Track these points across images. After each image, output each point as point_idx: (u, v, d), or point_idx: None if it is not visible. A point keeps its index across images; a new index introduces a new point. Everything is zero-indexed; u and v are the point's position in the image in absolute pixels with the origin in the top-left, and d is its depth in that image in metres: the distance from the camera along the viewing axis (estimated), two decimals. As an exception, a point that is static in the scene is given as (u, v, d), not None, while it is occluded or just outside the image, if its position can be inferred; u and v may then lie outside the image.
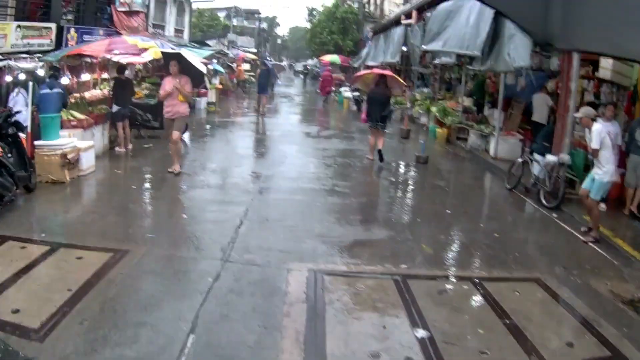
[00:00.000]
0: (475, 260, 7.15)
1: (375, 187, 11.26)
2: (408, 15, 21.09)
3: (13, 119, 8.80)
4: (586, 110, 8.67)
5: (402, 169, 13.28)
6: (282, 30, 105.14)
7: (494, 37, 11.92)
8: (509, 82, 15.02)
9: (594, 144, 7.87)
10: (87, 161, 10.59)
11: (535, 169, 10.65)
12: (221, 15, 63.21)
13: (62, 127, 11.01)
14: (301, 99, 35.19)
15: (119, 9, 21.54)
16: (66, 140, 10.18)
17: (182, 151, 11.60)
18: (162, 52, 11.84)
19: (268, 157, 13.35)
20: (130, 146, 13.15)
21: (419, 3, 19.87)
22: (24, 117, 10.17)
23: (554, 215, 9.27)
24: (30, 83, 10.37)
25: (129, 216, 8.04)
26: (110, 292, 5.33)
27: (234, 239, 7.04)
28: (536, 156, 10.75)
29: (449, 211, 9.40)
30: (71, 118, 11.60)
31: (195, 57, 11.95)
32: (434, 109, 19.62)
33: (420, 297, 5.71)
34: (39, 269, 5.86)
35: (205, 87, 16.85)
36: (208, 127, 18.97)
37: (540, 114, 13.38)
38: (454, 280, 6.35)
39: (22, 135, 9.01)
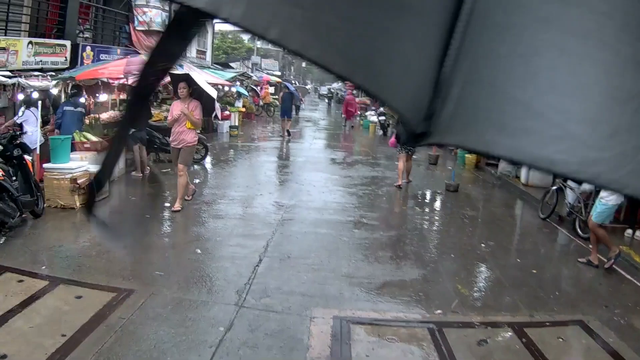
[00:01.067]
0: (515, 302, 6.41)
1: (405, 218, 10.42)
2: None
3: (18, 140, 8.37)
4: None
5: (432, 198, 12.58)
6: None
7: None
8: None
9: None
10: (100, 187, 10.05)
11: (570, 197, 10.19)
12: (245, 37, 63.28)
13: (74, 150, 10.68)
14: (326, 123, 34.65)
15: (138, 28, 21.21)
16: (77, 163, 9.74)
17: (194, 182, 10.69)
18: (170, 74, 10.51)
19: (291, 185, 12.63)
20: (147, 170, 12.65)
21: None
22: (34, 138, 9.91)
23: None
24: (40, 102, 10.04)
25: (138, 249, 7.35)
26: (108, 341, 4.70)
27: (251, 280, 6.36)
28: (570, 183, 10.23)
29: (483, 245, 8.64)
30: (84, 140, 11.20)
31: (204, 79, 10.80)
32: (463, 134, 18.90)
33: (458, 349, 5.08)
34: (34, 308, 5.33)
35: (217, 116, 15.76)
36: (230, 151, 18.42)
37: None
38: (493, 327, 5.66)
39: (27, 157, 8.55)
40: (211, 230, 8.60)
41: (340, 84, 51.11)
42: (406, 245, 8.40)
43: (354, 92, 40.47)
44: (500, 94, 0.94)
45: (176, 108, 9.47)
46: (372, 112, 31.73)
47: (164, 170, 13.31)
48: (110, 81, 13.56)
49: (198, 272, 6.63)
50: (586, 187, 9.67)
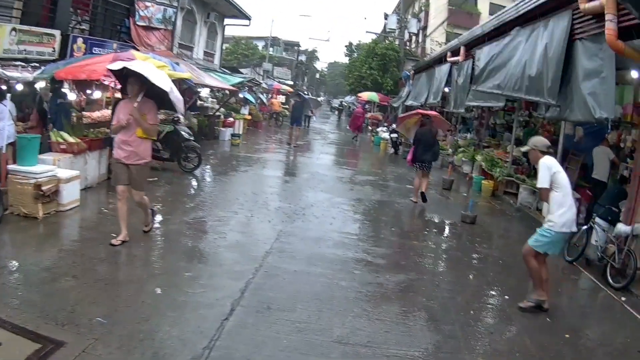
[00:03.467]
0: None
1: (416, 257, 8.76)
2: (455, 53, 19.12)
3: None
4: (537, 140, 7.02)
5: (447, 231, 11.08)
6: (321, 65, 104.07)
7: (563, 79, 9.91)
8: (567, 132, 12.85)
9: (540, 182, 6.52)
10: (70, 195, 8.90)
11: (599, 238, 9.01)
12: (260, 44, 62.31)
13: (50, 150, 9.80)
14: (335, 137, 33.25)
15: (139, 23, 20.00)
16: (43, 168, 8.55)
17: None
18: (126, 68, 7.24)
19: (289, 207, 11.09)
20: None
21: (468, 39, 17.83)
22: (9, 133, 9.17)
23: (622, 298, 7.61)
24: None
25: (87, 283, 5.92)
26: None
27: (213, 342, 4.87)
28: (599, 221, 9.17)
29: (507, 297, 7.18)
30: (60, 140, 10.03)
31: (157, 70, 7.73)
32: (479, 157, 17.53)
33: None
34: None
35: (178, 117, 13.79)
36: (227, 162, 17.01)
37: (601, 171, 11.50)
38: None
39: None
40: (182, 261, 7.10)
41: (352, 97, 50.07)
42: (417, 295, 6.88)
43: (366, 106, 39.50)
44: None
45: (123, 110, 7.19)
46: (384, 129, 30.35)
47: (150, 179, 11.96)
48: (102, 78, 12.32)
49: (149, 323, 5.11)
50: (622, 228, 8.44)
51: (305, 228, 9.51)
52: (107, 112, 13.44)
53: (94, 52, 14.78)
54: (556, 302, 7.34)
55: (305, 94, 34.58)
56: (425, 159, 12.86)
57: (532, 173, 14.87)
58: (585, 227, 9.32)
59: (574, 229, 6.73)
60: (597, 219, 9.26)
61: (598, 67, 9.04)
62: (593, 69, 9.14)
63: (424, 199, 12.63)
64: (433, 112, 14.41)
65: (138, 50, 15.89)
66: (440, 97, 21.14)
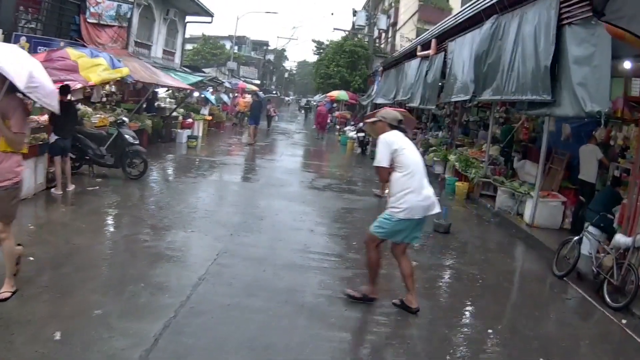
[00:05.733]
0: None
1: (382, 281, 6.81)
2: (425, 46, 17.88)
3: None
4: (387, 112, 6.31)
5: (417, 245, 9.62)
6: (290, 64, 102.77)
7: (552, 70, 8.71)
8: (550, 128, 11.70)
9: (377, 160, 5.70)
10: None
11: (590, 247, 8.06)
12: (228, 44, 60.69)
13: None
14: (301, 137, 31.93)
15: (89, 20, 18.44)
16: None
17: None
18: None
19: (236, 219, 9.60)
20: (71, 187, 10.24)
21: (440, 30, 16.57)
22: None
23: (623, 321, 6.53)
24: None
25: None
26: None
27: None
28: (592, 230, 8.17)
29: (490, 332, 5.85)
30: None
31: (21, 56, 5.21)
32: (452, 157, 16.33)
33: None
34: None
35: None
36: (177, 167, 15.51)
37: (588, 171, 10.49)
38: None
39: None
40: (97, 293, 5.60)
41: (321, 96, 48.92)
42: (380, 338, 5.53)
43: (334, 105, 38.33)
44: None
45: None
46: (352, 128, 29.17)
47: (90, 188, 10.61)
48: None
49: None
50: (621, 240, 7.39)
51: (252, 245, 8.05)
52: (43, 118, 11.86)
53: (38, 51, 13.26)
54: (551, 333, 6.08)
55: (273, 93, 33.72)
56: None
57: (510, 173, 13.77)
58: (576, 238, 8.15)
59: (417, 215, 5.69)
60: (590, 228, 8.12)
61: (589, 55, 7.93)
62: (583, 56, 8.03)
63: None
64: (400, 110, 13.18)
65: (86, 47, 14.59)
66: (410, 94, 19.96)
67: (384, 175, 5.79)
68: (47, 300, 5.35)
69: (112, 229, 8.50)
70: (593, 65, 7.78)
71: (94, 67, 11.28)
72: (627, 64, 9.01)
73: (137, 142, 12.22)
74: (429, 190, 5.77)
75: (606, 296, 7.11)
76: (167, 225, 8.70)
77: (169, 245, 7.63)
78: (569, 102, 8.14)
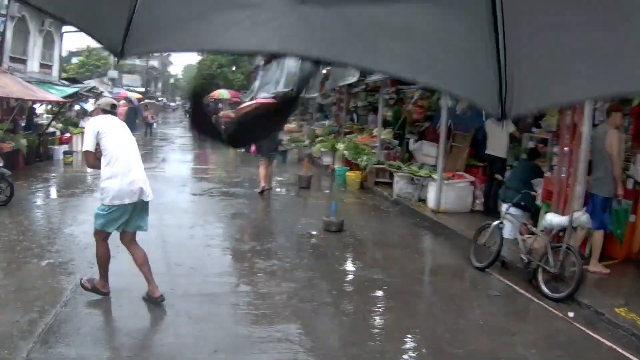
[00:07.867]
0: None
1: (261, 303, 5.63)
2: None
3: None
4: (102, 99, 6.46)
5: (305, 249, 8.06)
6: (176, 69, 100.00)
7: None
8: (449, 104, 10.66)
9: (84, 145, 5.51)
10: None
11: (514, 230, 7.38)
12: (109, 54, 57.73)
13: None
14: (183, 141, 29.95)
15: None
16: None
17: None
18: None
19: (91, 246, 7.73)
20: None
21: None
22: None
23: (570, 314, 5.51)
24: None
25: None
26: None
27: None
28: (513, 211, 7.23)
29: (405, 358, 4.48)
30: None
31: None
32: (340, 146, 15.09)
33: None
34: None
35: None
36: (47, 190, 13.25)
37: (499, 145, 9.47)
38: None
39: None
40: None
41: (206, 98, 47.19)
42: None
43: (219, 105, 36.78)
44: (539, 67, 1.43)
45: None
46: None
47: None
48: None
49: None
50: (554, 220, 6.33)
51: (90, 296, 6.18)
52: None
53: None
54: (476, 339, 4.78)
55: (158, 100, 32.23)
56: (267, 150, 11.91)
57: (407, 157, 12.65)
58: (496, 222, 7.01)
59: (129, 200, 5.31)
60: (512, 209, 7.08)
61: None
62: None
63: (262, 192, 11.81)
64: (272, 100, 12.01)
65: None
66: (293, 84, 18.70)
67: (90, 159, 5.55)
68: None
69: None
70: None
71: None
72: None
73: (1, 164, 10.43)
74: (137, 175, 5.42)
75: (542, 286, 6.14)
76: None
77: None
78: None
